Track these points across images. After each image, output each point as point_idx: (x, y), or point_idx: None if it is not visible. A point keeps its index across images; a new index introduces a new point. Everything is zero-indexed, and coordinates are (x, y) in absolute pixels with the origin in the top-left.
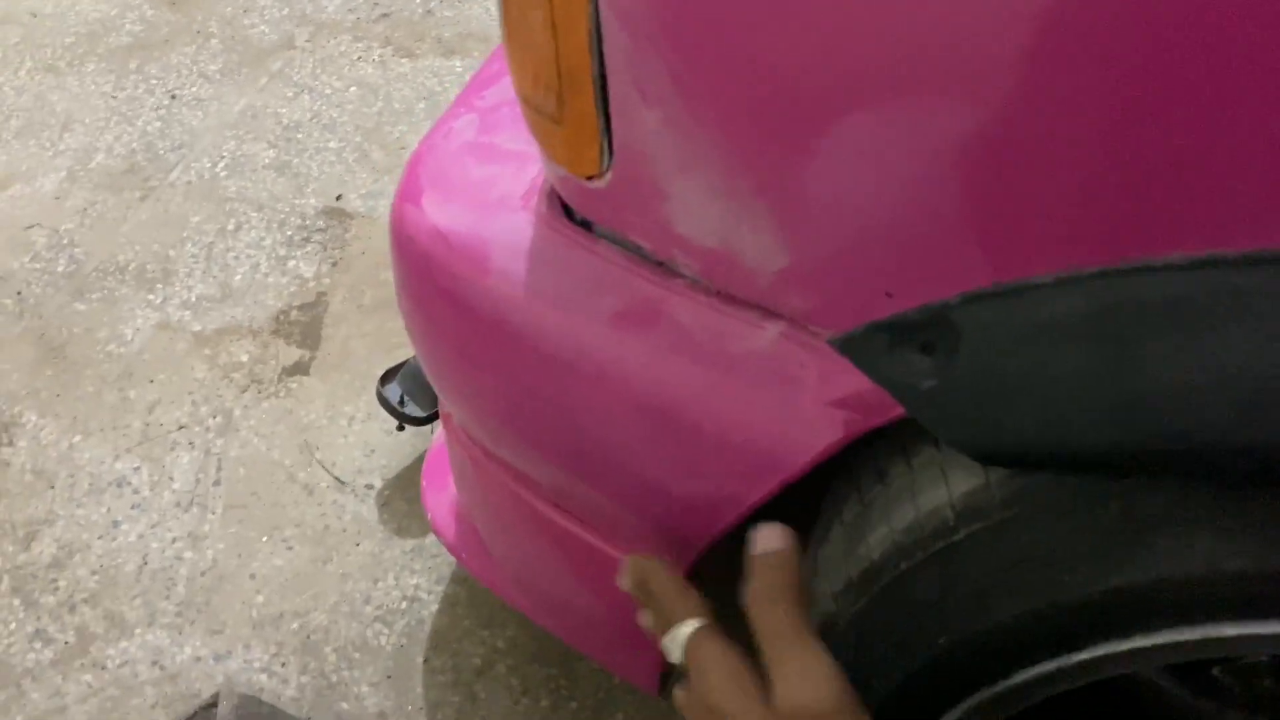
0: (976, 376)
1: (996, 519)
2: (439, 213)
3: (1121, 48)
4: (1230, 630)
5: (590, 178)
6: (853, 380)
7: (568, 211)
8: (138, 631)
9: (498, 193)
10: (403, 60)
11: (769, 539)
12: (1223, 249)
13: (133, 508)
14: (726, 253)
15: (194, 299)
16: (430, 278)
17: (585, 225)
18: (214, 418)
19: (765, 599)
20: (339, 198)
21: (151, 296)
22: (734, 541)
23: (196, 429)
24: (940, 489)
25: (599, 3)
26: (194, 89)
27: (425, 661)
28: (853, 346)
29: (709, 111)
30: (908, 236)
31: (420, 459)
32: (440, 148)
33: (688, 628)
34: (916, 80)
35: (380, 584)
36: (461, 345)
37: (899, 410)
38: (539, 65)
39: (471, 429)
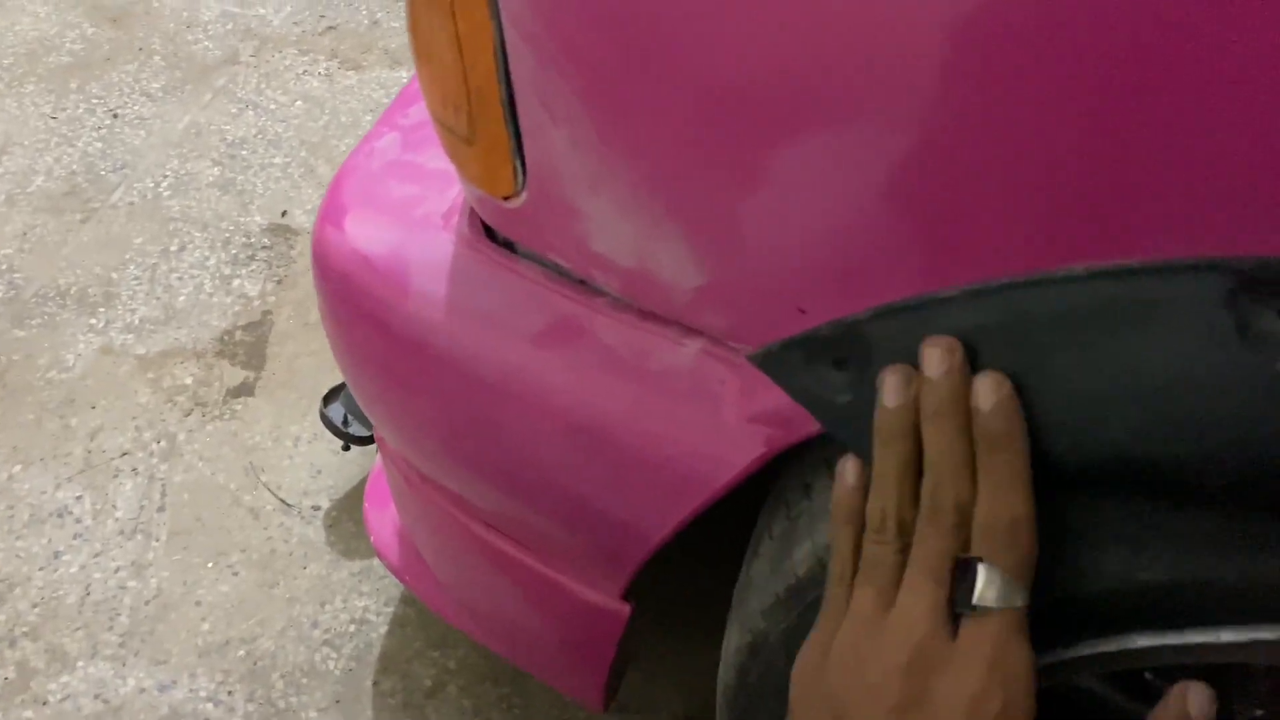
0: None
1: None
2: (361, 234)
3: (1014, 74)
4: (1144, 641)
5: (506, 197)
6: (773, 396)
7: (489, 231)
8: (80, 664)
9: (420, 213)
10: (349, 73)
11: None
12: (1123, 259)
13: (75, 537)
14: (643, 271)
15: (137, 322)
16: (352, 300)
17: (508, 244)
18: (158, 443)
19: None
20: (284, 214)
21: (93, 321)
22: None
23: (140, 455)
24: None
25: (502, 24)
26: (136, 107)
27: (375, 684)
28: (770, 363)
29: (615, 131)
30: (817, 253)
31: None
32: (362, 168)
33: None
34: (821, 102)
35: (328, 607)
36: (385, 368)
37: (819, 425)
38: (448, 86)
39: (403, 451)
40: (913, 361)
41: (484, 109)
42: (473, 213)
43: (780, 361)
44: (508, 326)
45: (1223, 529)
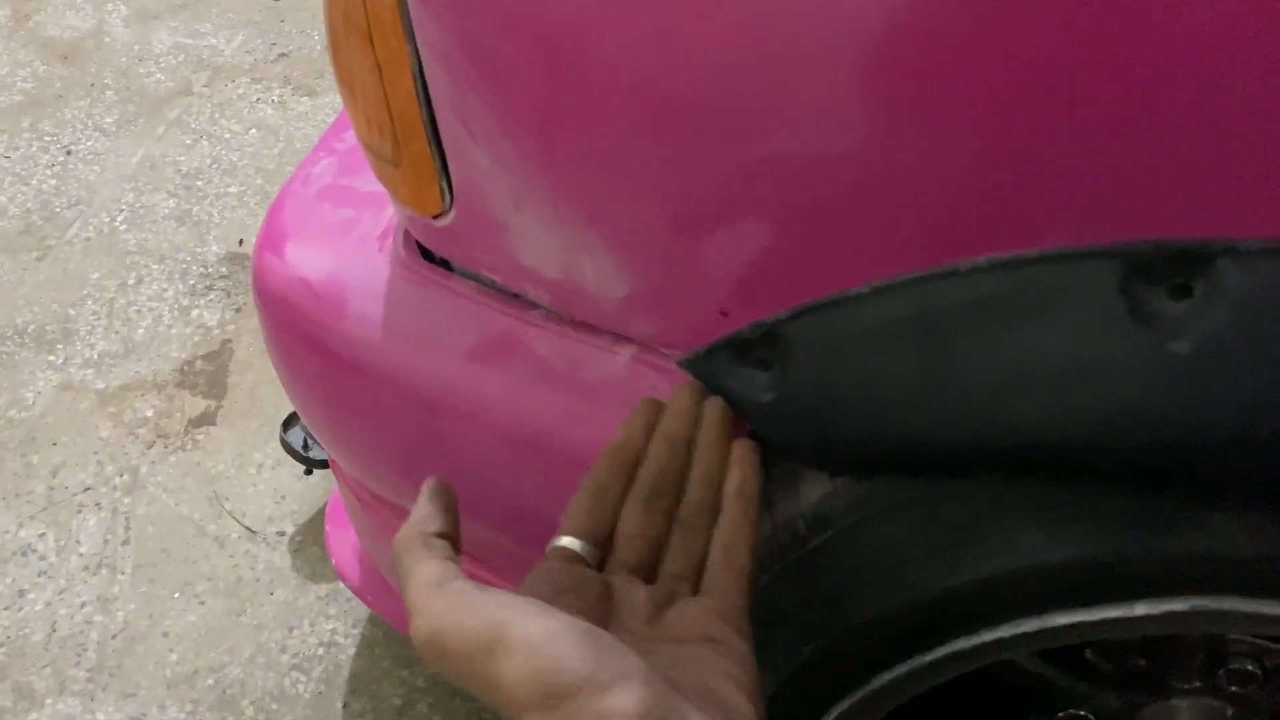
0: (809, 387)
1: (842, 526)
2: (298, 259)
3: (915, 79)
4: (1062, 619)
5: (435, 216)
6: None
7: (424, 250)
8: (48, 702)
9: (355, 236)
10: (303, 99)
11: None
12: (1024, 250)
13: (39, 575)
14: (571, 283)
15: (96, 357)
16: (293, 324)
17: (443, 263)
18: (120, 476)
19: None
20: (241, 243)
21: (52, 358)
22: None
23: (103, 489)
24: (794, 499)
25: (419, 49)
26: (90, 143)
27: (345, 706)
28: (699, 366)
29: (531, 148)
30: (734, 258)
31: None
32: (299, 194)
33: None
34: (730, 119)
35: (296, 631)
36: (328, 390)
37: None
38: (371, 111)
39: (351, 470)
40: (829, 357)
41: (407, 132)
42: (407, 233)
43: (708, 365)
44: (445, 343)
45: (1128, 507)
